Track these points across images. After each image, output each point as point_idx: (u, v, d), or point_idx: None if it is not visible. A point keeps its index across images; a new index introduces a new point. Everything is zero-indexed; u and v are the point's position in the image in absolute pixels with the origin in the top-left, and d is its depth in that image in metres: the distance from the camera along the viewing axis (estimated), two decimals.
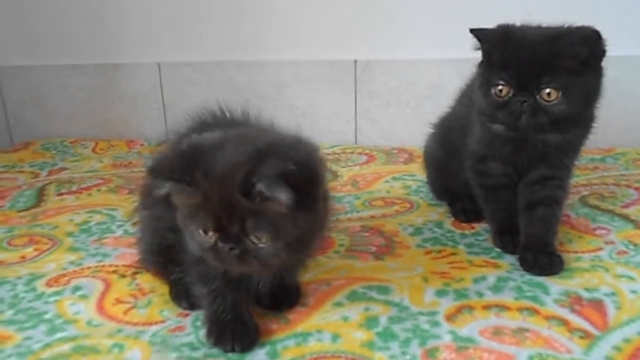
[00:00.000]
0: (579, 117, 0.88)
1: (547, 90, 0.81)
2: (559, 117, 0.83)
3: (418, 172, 1.34)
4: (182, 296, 0.82)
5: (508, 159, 0.93)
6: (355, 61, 1.69)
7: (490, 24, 0.91)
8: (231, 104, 0.85)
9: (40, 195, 1.36)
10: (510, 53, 0.83)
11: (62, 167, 1.59)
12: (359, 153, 1.62)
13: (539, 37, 0.84)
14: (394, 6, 1.63)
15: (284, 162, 0.59)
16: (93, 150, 1.77)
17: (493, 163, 0.95)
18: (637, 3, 1.47)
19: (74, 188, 1.40)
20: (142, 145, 1.78)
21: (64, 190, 1.38)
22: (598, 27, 1.39)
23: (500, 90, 0.84)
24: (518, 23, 0.89)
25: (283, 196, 0.57)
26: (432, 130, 1.17)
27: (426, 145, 1.20)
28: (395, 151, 1.60)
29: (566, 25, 0.86)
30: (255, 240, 0.62)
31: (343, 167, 1.50)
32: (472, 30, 0.87)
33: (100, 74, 1.92)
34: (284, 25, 1.73)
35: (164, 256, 0.81)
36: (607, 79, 1.50)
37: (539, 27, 0.88)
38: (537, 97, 0.82)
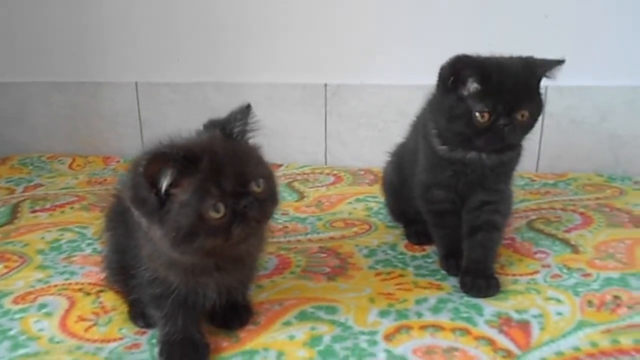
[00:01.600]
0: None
1: (523, 112, 0.90)
2: (527, 132, 0.94)
3: (381, 194, 1.40)
4: (138, 315, 0.88)
5: (449, 184, 1.00)
6: (326, 85, 1.76)
7: (455, 53, 0.97)
8: None
9: (14, 212, 1.40)
10: (496, 81, 0.89)
11: (37, 183, 1.64)
12: (327, 174, 1.68)
13: (514, 67, 0.92)
14: (364, 33, 1.71)
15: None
16: (69, 166, 1.82)
17: (437, 190, 1.02)
18: (590, 35, 1.56)
19: (48, 205, 1.44)
20: (117, 162, 1.83)
21: (37, 208, 1.43)
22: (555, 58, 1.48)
23: (482, 117, 0.90)
24: (479, 53, 0.95)
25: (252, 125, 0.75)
26: (389, 158, 1.24)
27: (384, 172, 1.27)
28: (362, 172, 1.67)
29: (524, 56, 0.95)
30: (256, 188, 0.70)
31: (310, 187, 1.56)
32: (458, 59, 0.90)
33: (81, 92, 1.98)
34: (259, 49, 1.80)
35: (123, 276, 0.86)
36: (562, 108, 1.60)
37: (502, 58, 0.94)
38: (515, 119, 0.90)
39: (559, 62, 0.93)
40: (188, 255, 0.70)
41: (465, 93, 0.91)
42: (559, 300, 0.91)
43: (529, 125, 0.93)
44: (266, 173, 0.73)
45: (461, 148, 0.96)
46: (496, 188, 0.99)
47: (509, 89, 0.89)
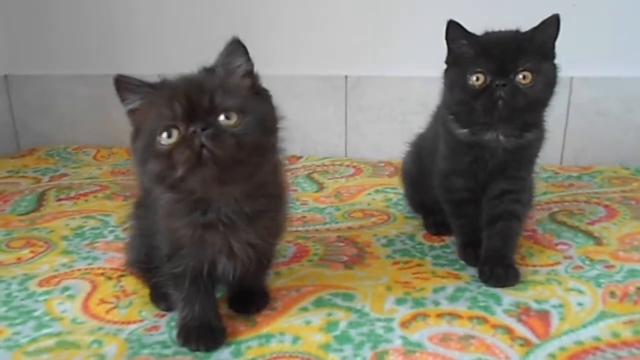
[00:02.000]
0: (545, 105, 0.94)
1: (523, 73, 0.88)
2: (533, 99, 0.90)
3: (400, 185, 1.40)
4: (160, 298, 0.89)
5: (469, 172, 0.99)
6: (346, 77, 1.76)
7: None
8: None
9: (40, 200, 1.44)
10: (486, 42, 0.90)
11: (63, 173, 1.68)
12: (347, 165, 1.68)
13: (506, 32, 0.92)
14: (384, 25, 1.70)
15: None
16: (94, 157, 1.86)
17: (456, 178, 1.01)
18: (617, 25, 1.52)
19: (73, 194, 1.47)
20: None
21: (62, 196, 1.46)
22: (578, 49, 1.45)
23: (477, 79, 0.89)
24: None
25: (242, 59, 0.71)
26: (408, 149, 1.24)
27: (403, 162, 1.26)
28: (382, 164, 1.67)
29: None
30: (225, 121, 0.66)
31: (330, 179, 1.56)
32: (449, 22, 0.92)
33: (105, 84, 1.97)
34: (280, 41, 1.80)
35: (147, 261, 0.87)
36: (588, 99, 1.57)
37: None
38: (514, 81, 0.88)
39: (552, 19, 0.90)
40: (150, 181, 0.69)
41: (461, 60, 0.92)
42: (580, 291, 0.89)
43: (535, 92, 0.89)
44: (244, 107, 0.67)
45: (470, 123, 0.94)
46: (517, 176, 0.98)
47: (502, 49, 0.88)
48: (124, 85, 0.71)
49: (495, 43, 0.89)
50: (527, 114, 0.92)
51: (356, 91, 1.77)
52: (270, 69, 1.99)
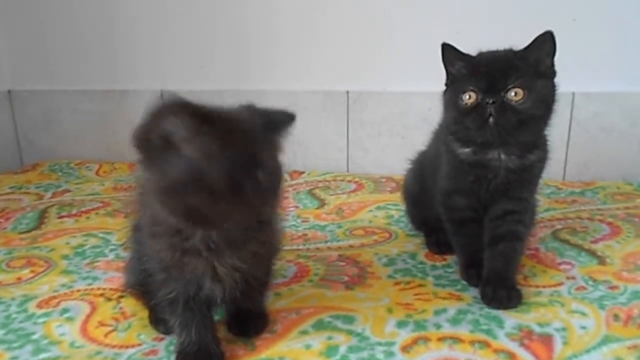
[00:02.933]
0: (541, 123, 0.94)
1: (514, 90, 0.88)
2: (525, 116, 0.89)
3: (402, 201, 1.39)
4: (160, 321, 0.88)
5: (471, 191, 0.98)
6: (348, 92, 1.76)
7: None
8: None
9: (41, 218, 1.43)
10: (477, 62, 0.92)
11: (65, 189, 1.68)
12: (349, 181, 1.67)
13: (498, 50, 0.93)
14: (385, 40, 1.71)
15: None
16: (97, 172, 1.86)
17: (458, 197, 1.00)
18: (619, 40, 1.52)
19: (74, 211, 1.47)
20: None
21: (64, 213, 1.46)
22: (581, 64, 1.45)
23: (469, 97, 0.90)
24: None
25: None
26: (409, 166, 1.23)
27: (405, 179, 1.26)
28: (384, 180, 1.66)
29: None
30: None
31: (331, 195, 1.56)
32: (443, 44, 0.94)
33: (108, 99, 2.02)
34: (282, 57, 1.81)
35: (145, 284, 0.87)
36: (590, 114, 1.56)
37: None
38: (504, 98, 0.88)
39: (545, 35, 0.89)
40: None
41: (455, 80, 0.94)
42: (583, 314, 0.88)
43: (527, 109, 0.88)
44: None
45: (469, 142, 0.95)
46: (520, 197, 0.97)
47: (493, 67, 0.89)
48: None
49: (486, 62, 0.90)
50: (521, 131, 0.91)
51: (358, 106, 1.77)
52: (272, 85, 2.02)
